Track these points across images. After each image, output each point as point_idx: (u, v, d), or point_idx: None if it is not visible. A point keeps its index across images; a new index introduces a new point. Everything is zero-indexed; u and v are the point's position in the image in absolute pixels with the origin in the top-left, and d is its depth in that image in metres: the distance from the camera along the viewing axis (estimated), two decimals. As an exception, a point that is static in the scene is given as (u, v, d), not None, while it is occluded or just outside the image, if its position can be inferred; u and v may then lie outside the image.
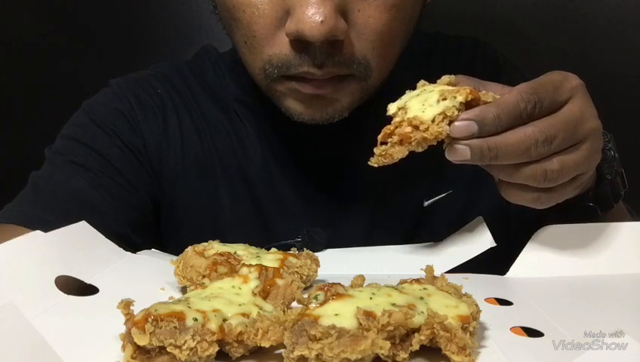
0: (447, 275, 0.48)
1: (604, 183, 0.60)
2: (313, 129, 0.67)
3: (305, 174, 0.74)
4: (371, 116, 0.65)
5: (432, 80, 0.54)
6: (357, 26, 0.57)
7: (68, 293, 0.47)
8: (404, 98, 0.53)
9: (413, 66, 0.68)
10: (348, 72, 0.59)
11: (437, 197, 0.73)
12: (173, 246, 0.68)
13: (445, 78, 0.53)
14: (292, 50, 0.57)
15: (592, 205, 0.61)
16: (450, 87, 0.52)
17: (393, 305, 0.40)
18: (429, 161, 0.68)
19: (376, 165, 0.52)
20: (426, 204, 0.72)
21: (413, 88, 0.54)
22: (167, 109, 0.74)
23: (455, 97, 0.50)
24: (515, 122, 0.50)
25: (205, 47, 0.83)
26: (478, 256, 0.60)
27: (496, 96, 0.51)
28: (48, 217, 0.60)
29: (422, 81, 0.54)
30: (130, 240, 0.61)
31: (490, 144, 0.49)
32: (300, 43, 0.56)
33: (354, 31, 0.57)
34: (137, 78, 0.76)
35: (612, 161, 0.61)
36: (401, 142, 0.51)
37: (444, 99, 0.50)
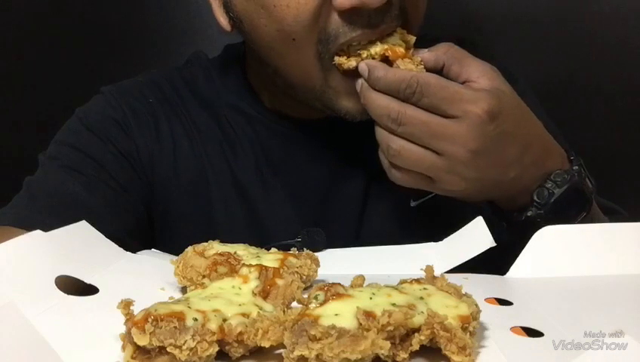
0: (447, 275, 0.48)
1: (523, 215, 0.62)
2: (304, 131, 0.70)
3: (296, 175, 0.74)
4: (362, 120, 0.65)
5: None
6: None
7: (68, 293, 0.47)
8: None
9: None
10: (397, 24, 0.62)
11: (424, 198, 0.74)
12: (166, 251, 0.68)
13: (408, 36, 0.63)
14: (341, 20, 0.60)
15: (505, 225, 0.65)
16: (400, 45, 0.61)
17: (393, 305, 0.40)
18: None
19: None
20: (413, 204, 0.73)
21: None
22: (159, 117, 0.75)
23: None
24: (393, 93, 0.57)
25: (196, 52, 0.83)
26: (478, 255, 0.60)
27: (418, 67, 0.59)
28: (45, 220, 0.60)
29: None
30: (125, 244, 0.61)
31: (366, 93, 0.59)
32: (352, 13, 0.59)
33: None
34: (129, 86, 0.77)
35: (543, 203, 0.61)
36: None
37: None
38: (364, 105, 0.59)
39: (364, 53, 0.61)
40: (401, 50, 0.61)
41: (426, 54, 0.61)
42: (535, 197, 0.61)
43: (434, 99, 0.56)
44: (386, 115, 0.57)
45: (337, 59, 0.62)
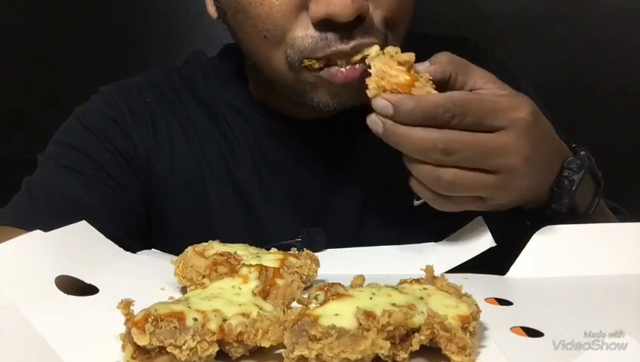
0: (447, 275, 0.48)
1: (548, 209, 0.61)
2: (303, 130, 0.69)
3: (295, 175, 0.74)
4: (361, 118, 0.65)
5: None
6: None
7: (68, 293, 0.47)
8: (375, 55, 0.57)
9: None
10: (375, 40, 0.60)
11: None
12: (165, 250, 0.69)
13: (405, 56, 0.55)
14: (316, 31, 0.58)
15: (529, 223, 0.63)
16: (398, 70, 0.55)
17: (393, 305, 0.40)
18: None
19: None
20: (416, 203, 0.73)
21: None
22: (157, 117, 0.75)
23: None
24: (430, 122, 0.52)
25: (195, 52, 0.83)
26: (478, 255, 0.60)
27: (431, 89, 0.54)
28: (44, 220, 0.60)
29: (391, 48, 0.56)
30: (125, 244, 0.62)
31: (397, 131, 0.53)
32: (325, 23, 0.57)
33: (372, 2, 0.59)
34: (127, 86, 0.77)
35: (566, 192, 0.60)
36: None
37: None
38: (396, 144, 0.54)
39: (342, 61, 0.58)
40: (405, 77, 0.54)
41: (431, 67, 0.57)
42: (556, 188, 0.59)
43: (477, 115, 0.52)
44: (430, 148, 0.52)
45: (306, 62, 0.60)
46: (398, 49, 0.56)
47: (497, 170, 0.54)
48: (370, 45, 0.59)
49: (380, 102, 0.53)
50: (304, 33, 0.59)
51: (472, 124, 0.52)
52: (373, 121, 0.55)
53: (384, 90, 0.54)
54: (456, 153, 0.52)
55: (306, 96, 0.64)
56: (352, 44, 0.58)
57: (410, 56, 0.56)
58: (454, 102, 0.52)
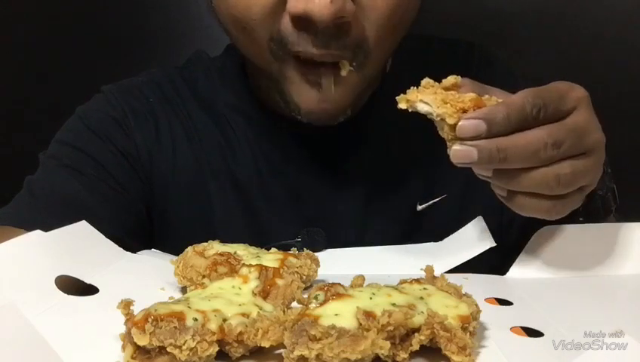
0: (447, 275, 0.48)
1: (596, 198, 0.60)
2: (304, 132, 0.68)
3: (296, 176, 0.74)
4: (362, 119, 0.65)
5: None
6: (364, 7, 0.58)
7: (68, 293, 0.47)
8: (413, 92, 0.52)
9: (408, 70, 0.68)
10: (350, 56, 0.59)
11: (431, 202, 0.73)
12: (166, 250, 0.69)
13: (451, 79, 0.52)
14: (292, 28, 0.58)
15: (581, 220, 0.61)
16: (454, 94, 0.50)
17: (393, 305, 0.40)
18: (424, 164, 0.67)
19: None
20: (419, 208, 0.72)
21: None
22: (159, 117, 0.75)
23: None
24: (522, 125, 0.48)
25: (197, 52, 0.83)
26: (478, 255, 0.60)
27: (499, 100, 0.50)
28: (45, 220, 0.60)
29: (427, 80, 0.52)
30: (125, 244, 0.62)
31: (500, 145, 0.47)
32: (301, 21, 0.57)
33: (360, 12, 0.58)
34: (129, 86, 0.77)
35: (606, 175, 0.60)
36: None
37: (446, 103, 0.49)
38: (503, 160, 0.48)
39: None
40: (471, 95, 0.50)
41: (467, 88, 0.53)
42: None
43: (554, 104, 0.50)
44: (542, 146, 0.48)
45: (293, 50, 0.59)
46: (429, 79, 0.52)
47: (591, 148, 0.51)
48: (340, 59, 0.59)
49: (468, 123, 0.47)
50: (281, 27, 0.58)
51: (553, 112, 0.50)
52: (461, 151, 0.48)
53: (463, 112, 0.48)
54: (563, 143, 0.49)
55: (287, 97, 0.64)
56: (322, 51, 0.58)
57: (456, 78, 0.52)
58: (535, 96, 0.49)
